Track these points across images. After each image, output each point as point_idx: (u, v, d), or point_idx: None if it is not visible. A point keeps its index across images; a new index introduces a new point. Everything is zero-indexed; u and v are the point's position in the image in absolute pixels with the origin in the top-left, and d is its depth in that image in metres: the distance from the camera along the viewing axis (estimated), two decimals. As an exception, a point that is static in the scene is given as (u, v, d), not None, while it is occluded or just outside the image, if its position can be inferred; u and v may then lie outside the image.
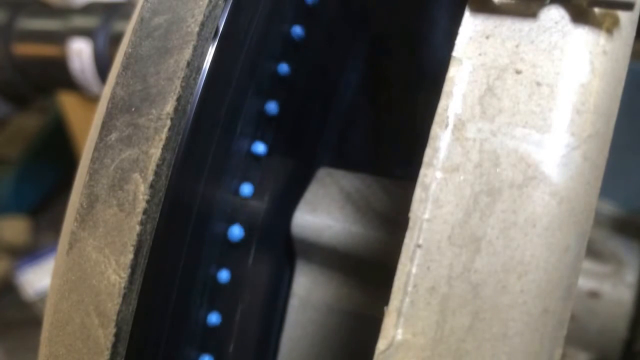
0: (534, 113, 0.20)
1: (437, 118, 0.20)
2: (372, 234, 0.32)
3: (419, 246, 0.20)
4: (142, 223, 0.22)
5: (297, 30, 0.29)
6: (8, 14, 0.75)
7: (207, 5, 0.24)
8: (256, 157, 0.29)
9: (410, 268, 0.20)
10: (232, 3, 0.24)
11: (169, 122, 0.23)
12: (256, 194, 0.30)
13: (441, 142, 0.20)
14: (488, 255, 0.19)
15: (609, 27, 0.20)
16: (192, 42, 0.23)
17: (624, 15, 0.20)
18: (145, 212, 0.22)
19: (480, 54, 0.21)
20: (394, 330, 0.19)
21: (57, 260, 0.26)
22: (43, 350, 0.24)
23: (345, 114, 0.37)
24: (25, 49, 0.74)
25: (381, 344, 0.19)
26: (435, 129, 0.20)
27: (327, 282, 0.34)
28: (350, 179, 0.35)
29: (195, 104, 0.23)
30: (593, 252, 0.38)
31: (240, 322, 0.32)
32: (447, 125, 0.20)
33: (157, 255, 0.23)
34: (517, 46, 0.20)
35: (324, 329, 0.34)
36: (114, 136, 0.23)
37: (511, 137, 0.20)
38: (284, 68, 0.29)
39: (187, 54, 0.23)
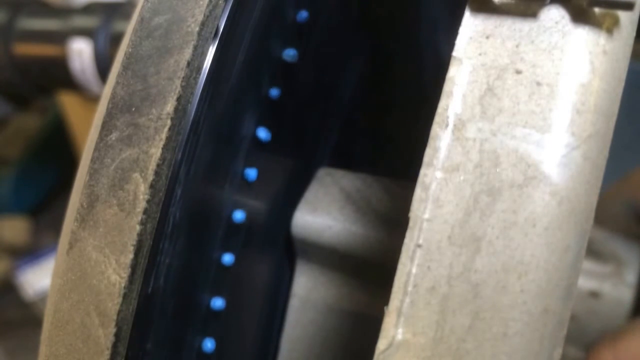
0: (534, 113, 0.20)
1: (437, 118, 0.20)
2: (372, 234, 0.32)
3: (419, 246, 0.20)
4: (142, 223, 0.22)
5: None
6: (8, 14, 0.75)
7: (207, 5, 0.24)
8: (256, 157, 0.29)
9: (410, 268, 0.20)
10: (232, 3, 0.24)
11: (169, 122, 0.23)
12: (256, 193, 0.30)
13: (441, 142, 0.20)
14: (488, 255, 0.19)
15: (609, 27, 0.20)
16: (192, 42, 0.23)
17: (624, 15, 0.20)
18: (145, 211, 0.22)
19: (480, 54, 0.21)
20: (394, 330, 0.19)
21: (57, 260, 0.26)
22: (43, 350, 0.24)
23: (346, 113, 0.37)
24: (25, 49, 0.74)
25: (381, 344, 0.19)
26: (435, 128, 0.20)
27: (327, 282, 0.34)
28: (350, 179, 0.35)
29: (196, 104, 0.24)
30: (593, 252, 0.38)
31: (240, 323, 0.32)
32: (447, 125, 0.20)
33: (156, 254, 0.23)
34: (517, 46, 0.20)
35: (324, 329, 0.34)
36: (114, 136, 0.23)
37: (511, 137, 0.20)
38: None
39: (187, 53, 0.23)
